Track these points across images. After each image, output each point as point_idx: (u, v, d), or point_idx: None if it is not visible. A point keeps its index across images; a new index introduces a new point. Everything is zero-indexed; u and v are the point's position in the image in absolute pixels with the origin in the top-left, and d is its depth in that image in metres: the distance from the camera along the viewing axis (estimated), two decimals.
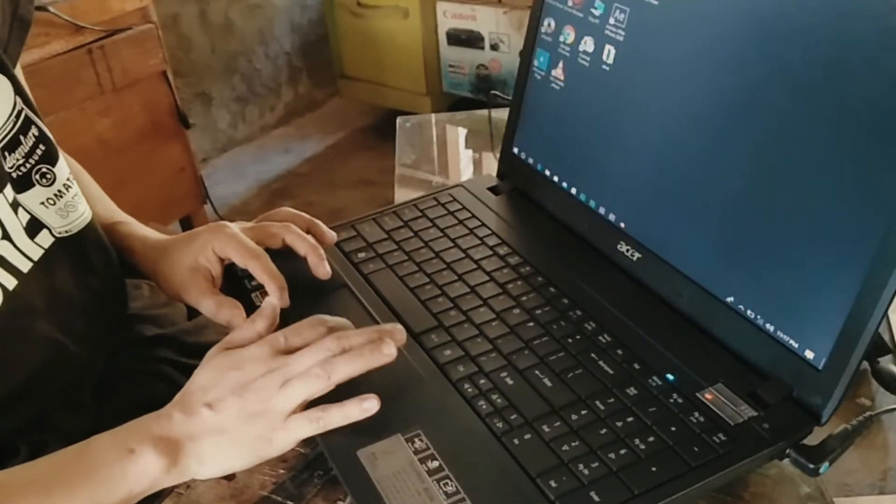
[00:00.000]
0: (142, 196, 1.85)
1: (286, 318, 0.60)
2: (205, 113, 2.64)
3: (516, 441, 0.53)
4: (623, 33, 0.67)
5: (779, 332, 0.56)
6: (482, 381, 0.57)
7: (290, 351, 0.55)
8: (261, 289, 0.67)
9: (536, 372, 0.58)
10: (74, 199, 0.66)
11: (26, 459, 0.53)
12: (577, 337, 0.61)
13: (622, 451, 0.51)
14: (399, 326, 0.57)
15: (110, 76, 1.73)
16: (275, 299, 0.62)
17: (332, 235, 0.71)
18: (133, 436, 0.52)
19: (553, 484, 0.49)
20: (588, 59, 0.71)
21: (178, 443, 0.52)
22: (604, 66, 0.69)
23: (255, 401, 0.52)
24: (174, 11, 2.43)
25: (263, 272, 0.64)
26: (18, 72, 0.67)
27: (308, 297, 0.66)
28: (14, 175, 0.62)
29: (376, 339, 0.55)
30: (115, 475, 0.51)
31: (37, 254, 0.62)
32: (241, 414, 0.52)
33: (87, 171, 0.81)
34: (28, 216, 0.62)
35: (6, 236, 0.60)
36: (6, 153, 0.61)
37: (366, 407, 0.52)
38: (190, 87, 2.55)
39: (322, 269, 0.67)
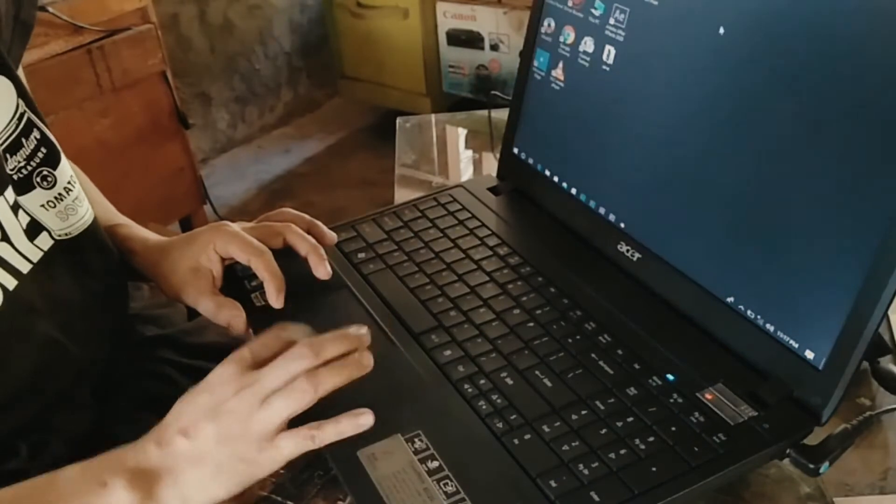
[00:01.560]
0: (141, 196, 1.85)
1: (286, 317, 0.60)
2: (204, 113, 2.64)
3: (516, 441, 0.53)
4: (623, 33, 0.67)
5: (779, 333, 0.56)
6: (482, 382, 0.57)
7: (258, 365, 0.52)
8: (261, 289, 0.67)
9: (536, 372, 0.58)
10: (75, 203, 0.66)
11: (26, 459, 0.53)
12: (577, 337, 0.61)
13: (622, 451, 0.51)
14: (364, 328, 0.54)
15: (109, 76, 1.73)
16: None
17: (332, 236, 0.71)
18: (107, 468, 0.50)
19: (553, 484, 0.49)
20: (588, 59, 0.71)
21: (155, 475, 0.50)
22: (604, 67, 0.69)
23: (232, 423, 0.50)
24: (173, 11, 2.43)
25: (265, 270, 0.64)
26: (20, 74, 0.67)
27: (308, 298, 0.66)
28: (15, 177, 0.62)
29: (348, 345, 0.53)
30: None
31: (36, 256, 0.62)
32: (219, 438, 0.49)
33: (87, 172, 0.81)
34: (28, 218, 0.62)
35: (6, 238, 0.60)
36: (8, 155, 0.61)
37: (360, 423, 0.51)
38: (189, 87, 2.55)
39: (323, 269, 0.67)
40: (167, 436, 0.50)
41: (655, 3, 0.65)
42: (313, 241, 0.68)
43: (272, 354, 0.52)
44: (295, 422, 0.51)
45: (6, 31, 0.65)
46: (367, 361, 0.52)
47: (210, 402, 0.50)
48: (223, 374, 0.51)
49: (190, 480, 0.50)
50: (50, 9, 1.58)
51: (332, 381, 0.51)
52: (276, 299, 0.64)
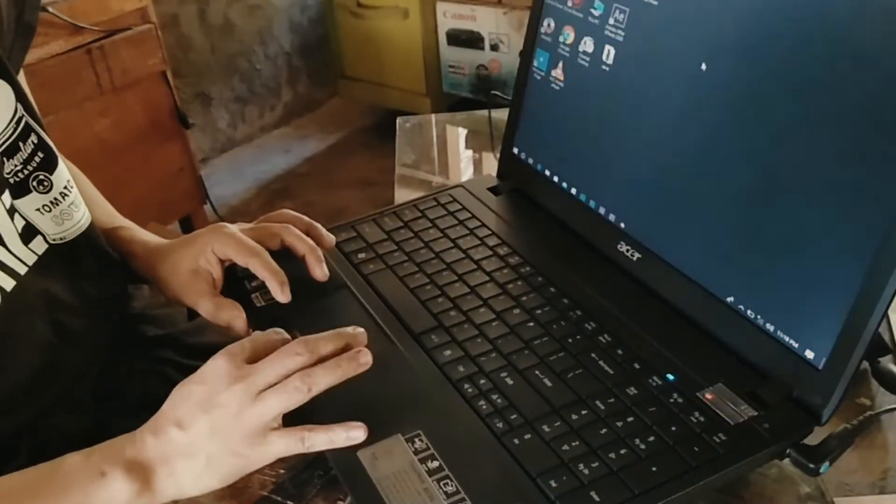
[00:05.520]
0: (141, 196, 1.85)
1: (287, 317, 0.60)
2: (204, 113, 2.64)
3: (516, 441, 0.53)
4: (623, 33, 0.67)
5: (779, 332, 0.56)
6: (482, 382, 0.57)
7: (252, 360, 0.53)
8: (261, 290, 0.67)
9: (536, 372, 0.58)
10: (71, 208, 0.66)
11: (26, 460, 0.53)
12: (577, 337, 0.61)
13: (622, 451, 0.51)
14: (360, 329, 0.55)
15: (110, 76, 1.73)
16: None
17: (330, 238, 0.71)
18: (106, 458, 0.51)
19: (553, 484, 0.49)
20: (588, 59, 0.71)
21: (150, 466, 0.51)
22: (603, 67, 0.69)
23: (225, 416, 0.50)
24: (173, 11, 2.43)
25: (264, 268, 0.64)
26: (21, 78, 0.67)
27: (307, 298, 0.66)
28: (12, 181, 0.62)
29: (343, 344, 0.53)
30: (84, 497, 0.50)
31: (31, 259, 0.62)
32: (211, 431, 0.50)
33: (87, 172, 0.81)
34: (23, 222, 0.62)
35: (0, 241, 0.60)
36: (5, 159, 0.61)
37: (352, 436, 0.51)
38: (189, 87, 2.55)
39: (320, 270, 0.67)
40: (162, 427, 0.51)
41: (655, 2, 0.65)
42: (311, 242, 0.68)
43: (266, 351, 0.53)
44: (291, 418, 0.52)
45: (7, 35, 0.65)
46: (365, 359, 0.53)
47: (204, 394, 0.51)
48: (217, 367, 0.52)
49: (183, 471, 0.51)
50: (50, 9, 1.59)
51: (326, 379, 0.52)
52: (281, 294, 0.64)
